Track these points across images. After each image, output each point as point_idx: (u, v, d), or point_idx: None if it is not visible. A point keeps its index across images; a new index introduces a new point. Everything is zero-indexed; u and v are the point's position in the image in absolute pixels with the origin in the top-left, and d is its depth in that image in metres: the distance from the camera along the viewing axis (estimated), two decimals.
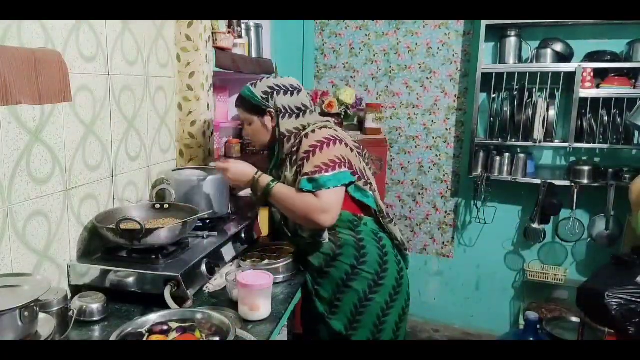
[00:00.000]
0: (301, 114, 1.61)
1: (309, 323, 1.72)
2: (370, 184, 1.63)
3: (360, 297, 1.57)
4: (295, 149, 1.56)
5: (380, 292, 1.57)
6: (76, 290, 1.44)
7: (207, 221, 1.78)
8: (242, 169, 1.61)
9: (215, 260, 1.56)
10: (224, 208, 1.89)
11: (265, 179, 1.56)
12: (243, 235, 1.83)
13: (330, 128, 1.58)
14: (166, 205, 1.68)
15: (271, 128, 1.62)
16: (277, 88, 1.60)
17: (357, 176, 1.55)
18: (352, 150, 1.58)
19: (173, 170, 1.91)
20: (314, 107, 1.67)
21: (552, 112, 2.83)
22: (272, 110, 1.60)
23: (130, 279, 1.40)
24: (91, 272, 1.43)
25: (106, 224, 1.45)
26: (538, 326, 2.73)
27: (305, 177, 1.46)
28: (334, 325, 1.59)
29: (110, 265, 1.43)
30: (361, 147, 1.71)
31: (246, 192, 1.91)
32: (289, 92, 1.61)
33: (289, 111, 1.60)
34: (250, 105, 1.62)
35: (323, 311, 1.61)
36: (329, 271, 1.60)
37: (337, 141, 1.51)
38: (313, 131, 1.54)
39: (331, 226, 1.53)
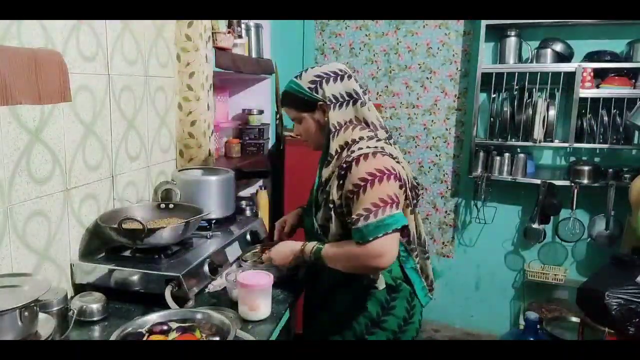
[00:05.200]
0: (352, 103, 1.41)
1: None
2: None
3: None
4: (344, 167, 1.34)
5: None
6: (79, 289, 1.45)
7: (213, 221, 1.78)
8: (282, 250, 1.49)
9: (219, 261, 1.56)
10: (230, 208, 1.89)
11: (310, 246, 1.41)
12: (248, 235, 1.83)
13: (386, 154, 1.35)
14: (171, 205, 1.68)
15: (325, 123, 1.43)
16: (325, 76, 1.41)
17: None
18: (402, 182, 1.35)
19: (179, 170, 1.91)
20: (364, 97, 1.44)
21: (552, 112, 2.83)
22: (322, 102, 1.40)
23: (133, 278, 1.40)
24: (95, 271, 1.43)
25: (110, 223, 1.45)
26: (538, 326, 2.73)
27: (354, 227, 1.29)
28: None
29: (114, 265, 1.43)
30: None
31: None
32: (338, 78, 1.41)
33: (340, 99, 1.40)
34: (298, 102, 1.44)
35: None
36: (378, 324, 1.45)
37: (392, 176, 1.30)
38: (366, 156, 1.31)
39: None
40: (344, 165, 1.34)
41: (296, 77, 1.45)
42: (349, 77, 1.43)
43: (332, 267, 1.38)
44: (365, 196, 1.28)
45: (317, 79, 1.41)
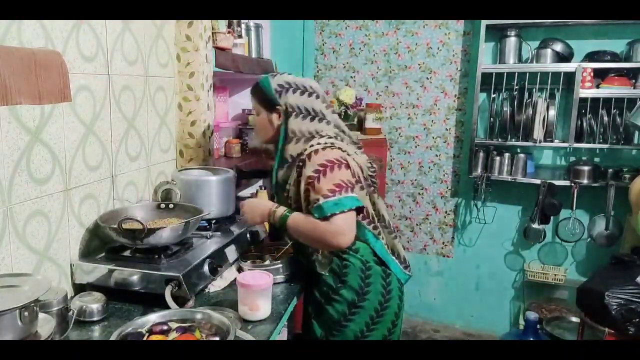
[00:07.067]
0: (312, 119, 1.53)
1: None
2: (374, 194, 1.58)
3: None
4: (301, 167, 1.47)
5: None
6: (79, 289, 1.45)
7: (213, 221, 1.78)
8: (256, 204, 1.58)
9: (218, 261, 1.57)
10: (229, 208, 1.89)
11: (280, 211, 1.50)
12: (248, 235, 1.83)
13: (335, 148, 1.47)
14: (171, 205, 1.68)
15: (277, 126, 1.55)
16: (293, 86, 1.53)
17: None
18: (354, 173, 1.47)
19: (179, 170, 1.91)
20: (329, 116, 1.56)
21: (552, 112, 2.83)
22: (280, 108, 1.53)
23: (133, 278, 1.40)
24: (95, 271, 1.43)
25: (110, 223, 1.45)
26: (538, 326, 2.73)
27: (314, 205, 1.40)
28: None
29: (114, 265, 1.43)
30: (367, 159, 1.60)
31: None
32: (305, 93, 1.53)
33: (300, 111, 1.52)
34: (262, 97, 1.56)
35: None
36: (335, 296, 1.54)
37: (342, 165, 1.43)
38: (316, 152, 1.44)
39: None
40: (300, 164, 1.47)
41: (272, 75, 1.57)
42: (317, 96, 1.54)
43: (294, 236, 1.51)
44: (321, 184, 1.40)
45: (286, 86, 1.53)
